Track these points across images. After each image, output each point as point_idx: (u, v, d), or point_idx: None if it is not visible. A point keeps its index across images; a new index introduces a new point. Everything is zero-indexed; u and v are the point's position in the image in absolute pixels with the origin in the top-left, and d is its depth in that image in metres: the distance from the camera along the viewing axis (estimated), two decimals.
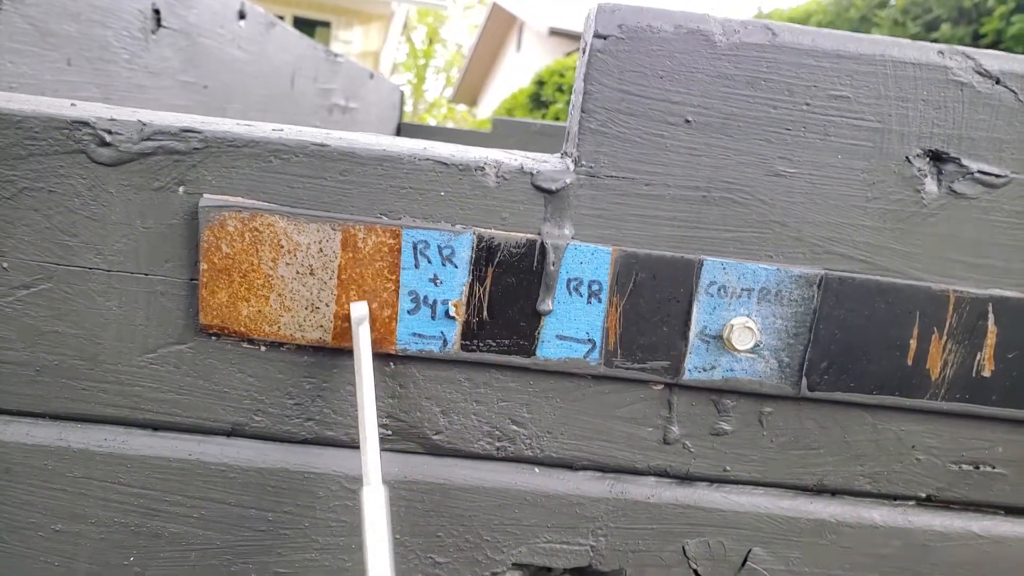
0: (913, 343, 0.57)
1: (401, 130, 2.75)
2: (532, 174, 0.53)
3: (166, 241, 0.54)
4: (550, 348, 0.56)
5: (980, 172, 0.54)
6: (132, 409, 0.57)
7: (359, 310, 0.53)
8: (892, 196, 0.55)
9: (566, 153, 0.55)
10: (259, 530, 0.58)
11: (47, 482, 0.57)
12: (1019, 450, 0.60)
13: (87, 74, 1.11)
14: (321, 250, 0.53)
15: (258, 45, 1.70)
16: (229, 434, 0.58)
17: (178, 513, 0.58)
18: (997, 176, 0.54)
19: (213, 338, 0.55)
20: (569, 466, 0.60)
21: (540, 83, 8.55)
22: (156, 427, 0.57)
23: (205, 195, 0.53)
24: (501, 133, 2.44)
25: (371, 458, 0.50)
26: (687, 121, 0.53)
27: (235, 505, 0.58)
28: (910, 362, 0.57)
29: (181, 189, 0.53)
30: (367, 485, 0.49)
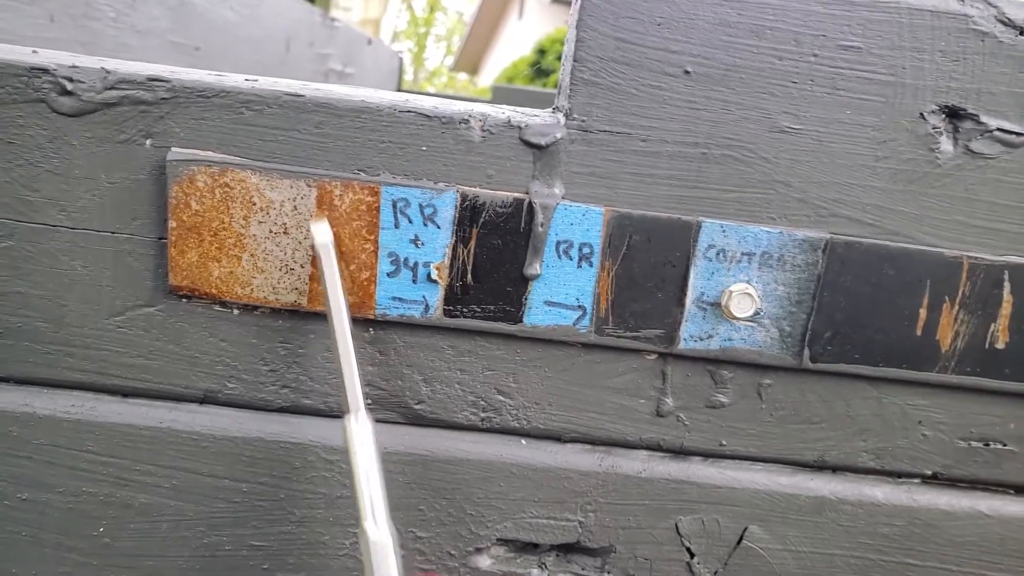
0: (923, 313, 0.53)
1: None
2: (520, 128, 0.50)
3: (133, 197, 0.51)
4: (538, 315, 0.53)
5: (1000, 130, 0.51)
6: (100, 374, 0.54)
7: (322, 233, 0.50)
8: (904, 155, 0.51)
9: (557, 107, 0.51)
10: (233, 501, 0.56)
11: (12, 449, 0.54)
12: None
13: (70, 31, 1.07)
14: (295, 208, 0.50)
15: (251, 8, 1.66)
16: (202, 401, 0.55)
17: (149, 483, 0.55)
18: (1018, 134, 0.51)
19: (184, 300, 0.53)
20: (557, 438, 0.57)
21: (541, 52, 8.40)
22: (125, 393, 0.55)
23: (173, 148, 0.50)
24: (501, 101, 2.40)
25: (352, 384, 0.48)
26: (686, 72, 0.49)
27: (208, 475, 0.55)
28: (919, 333, 0.54)
29: (148, 142, 0.50)
30: (350, 413, 0.47)
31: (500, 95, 2.57)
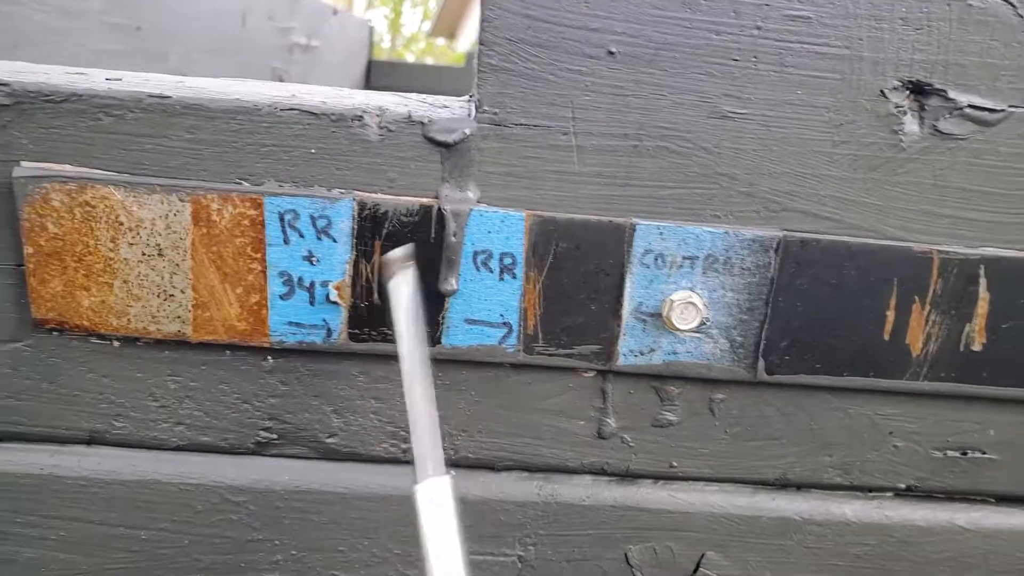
0: (890, 315, 0.48)
1: (371, 67, 2.61)
2: (424, 124, 0.44)
3: None
4: (458, 335, 0.47)
5: (971, 107, 0.44)
6: None
7: (402, 256, 0.42)
8: (864, 139, 0.45)
9: (471, 96, 0.45)
10: (131, 551, 0.50)
11: None
12: (1013, 432, 0.52)
13: None
14: (169, 226, 0.44)
15: None
16: (88, 443, 0.49)
17: (33, 536, 0.49)
18: (991, 111, 0.45)
19: (54, 334, 0.46)
20: (490, 467, 0.51)
21: None
22: None
23: (21, 163, 0.43)
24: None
25: (427, 444, 0.38)
26: (610, 53, 0.43)
27: (100, 523, 0.49)
28: (887, 337, 0.48)
29: None
30: (424, 479, 0.37)
31: (474, 62, 2.48)
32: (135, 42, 1.36)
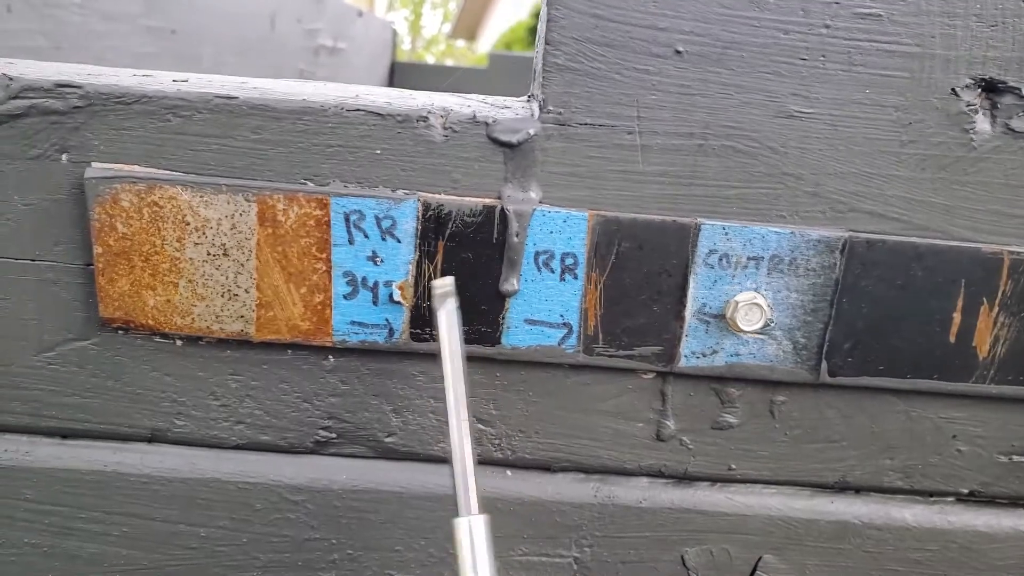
0: (957, 317, 0.47)
1: (395, 69, 2.62)
2: (488, 124, 0.43)
3: (52, 220, 0.45)
4: (518, 335, 0.47)
5: None
6: (33, 416, 0.49)
7: (443, 287, 0.43)
8: (933, 139, 0.44)
9: (532, 96, 0.45)
10: (190, 548, 0.51)
11: None
12: None
13: (31, 20, 1.00)
14: (234, 226, 0.44)
15: None
16: (149, 441, 0.50)
17: (96, 531, 0.50)
18: None
19: (119, 332, 0.47)
20: (547, 468, 0.51)
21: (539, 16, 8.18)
22: (64, 435, 0.50)
23: (92, 164, 0.43)
24: (498, 69, 2.31)
25: (463, 480, 0.39)
26: (677, 52, 0.42)
27: (161, 520, 0.50)
28: (953, 339, 0.47)
29: (64, 157, 0.44)
30: (462, 516, 0.38)
31: (496, 63, 2.47)
32: (169, 44, 1.38)
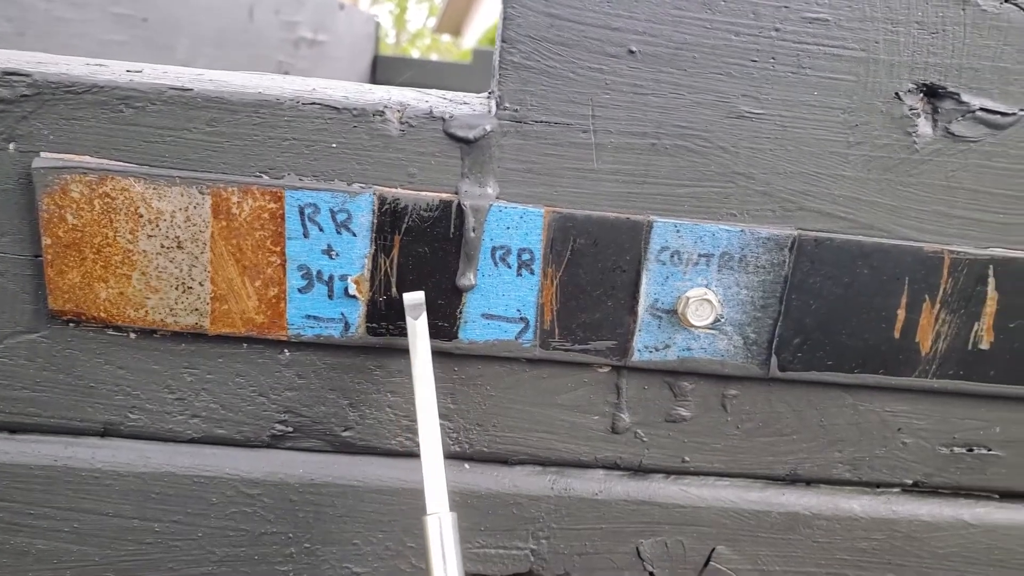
0: (901, 313, 0.48)
1: (377, 63, 2.60)
2: (444, 119, 0.44)
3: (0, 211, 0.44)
4: (475, 329, 0.47)
5: (983, 110, 0.45)
6: None
7: (413, 299, 0.45)
8: (878, 140, 0.46)
9: (491, 93, 0.45)
10: (144, 543, 0.50)
11: None
12: (1018, 430, 0.53)
13: None
14: (188, 218, 0.44)
15: None
16: (102, 435, 0.49)
17: (46, 527, 0.49)
18: (1003, 114, 0.45)
19: (70, 325, 0.46)
20: (504, 461, 0.52)
21: None
22: (13, 430, 0.49)
23: (41, 153, 0.43)
24: (482, 65, 2.30)
25: (433, 479, 0.40)
26: (631, 52, 0.43)
27: (114, 515, 0.49)
28: (897, 335, 0.49)
29: (11, 146, 0.43)
30: (430, 513, 0.39)
31: (480, 59, 2.47)
32: (141, 33, 1.35)
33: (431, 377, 0.43)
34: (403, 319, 0.46)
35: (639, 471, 0.53)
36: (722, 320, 0.48)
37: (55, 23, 1.14)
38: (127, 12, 1.31)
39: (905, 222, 0.47)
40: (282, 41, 1.99)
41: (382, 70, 2.57)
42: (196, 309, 0.46)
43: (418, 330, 0.44)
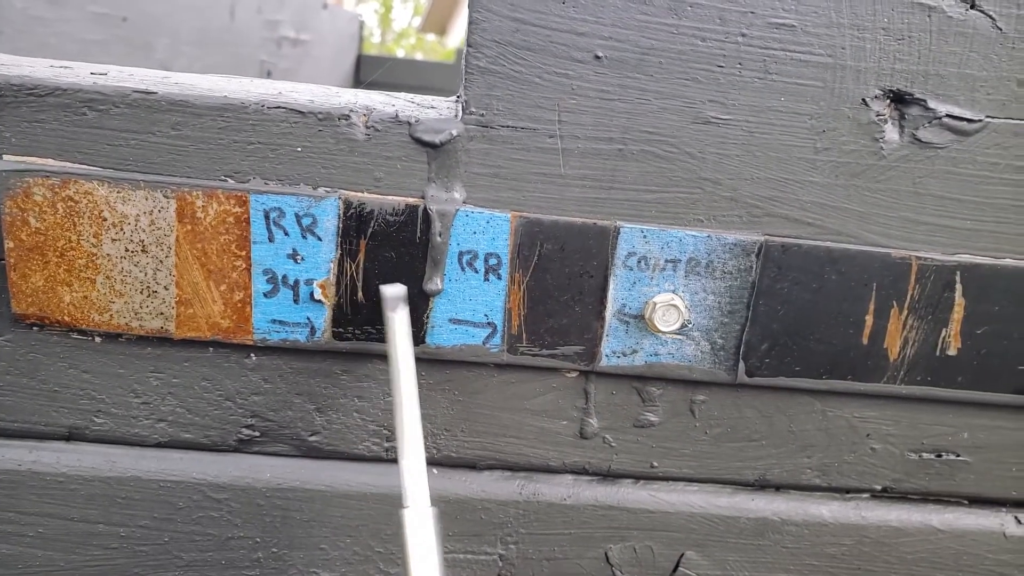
0: (869, 319, 0.48)
1: (361, 62, 2.59)
2: (410, 124, 0.44)
3: None
4: (442, 334, 0.47)
5: (949, 116, 0.45)
6: None
7: (393, 291, 0.44)
8: (845, 146, 0.46)
9: (459, 97, 0.45)
10: (110, 548, 0.50)
11: None
12: (986, 436, 0.53)
13: None
14: (153, 222, 0.43)
15: None
16: (67, 439, 0.49)
17: (10, 532, 0.49)
18: (969, 121, 0.45)
19: (34, 329, 0.46)
20: (472, 466, 0.52)
21: None
22: None
23: (3, 156, 0.43)
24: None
25: (412, 475, 0.40)
26: (597, 57, 0.43)
27: (79, 520, 0.49)
28: (865, 341, 0.49)
29: None
30: (408, 507, 0.40)
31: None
32: (120, 32, 1.35)
33: (413, 372, 0.42)
34: (371, 323, 0.46)
35: (608, 476, 0.53)
36: (689, 325, 0.48)
37: (32, 22, 1.14)
38: (106, 11, 1.31)
39: (872, 228, 0.47)
40: (264, 40, 1.98)
41: (366, 69, 2.56)
42: (161, 313, 0.45)
43: (396, 324, 0.43)
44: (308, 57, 2.24)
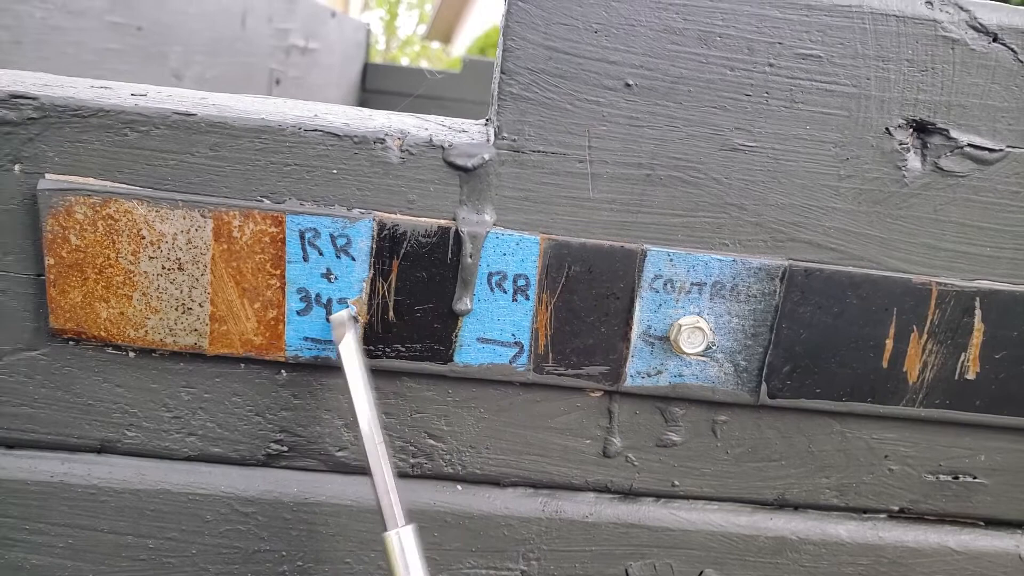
0: (889, 343, 0.49)
1: (367, 70, 2.61)
2: (443, 148, 0.45)
3: (4, 230, 0.45)
4: (470, 353, 0.48)
5: (971, 146, 0.46)
6: None
7: (338, 319, 0.45)
8: (868, 174, 0.47)
9: (489, 120, 0.46)
10: (138, 559, 0.51)
11: None
12: (1002, 458, 0.54)
13: None
14: (190, 241, 0.44)
15: None
16: (99, 451, 0.50)
17: (40, 543, 0.50)
18: (990, 150, 0.46)
19: (70, 343, 0.47)
20: (496, 483, 0.52)
21: None
22: (10, 445, 0.49)
23: (46, 175, 0.44)
24: (472, 74, 2.31)
25: (387, 496, 0.42)
26: (627, 85, 0.44)
27: (108, 532, 0.50)
28: (885, 364, 0.50)
29: (17, 168, 0.44)
30: (390, 530, 0.41)
31: (470, 68, 2.48)
32: (135, 41, 1.36)
33: (369, 394, 0.43)
34: (400, 342, 0.47)
35: (629, 494, 0.53)
36: (713, 348, 0.48)
37: (51, 32, 1.15)
38: (122, 21, 1.32)
39: (894, 254, 0.48)
40: (274, 49, 2.00)
41: (372, 78, 2.58)
42: (195, 330, 0.46)
43: (343, 351, 0.44)
44: (316, 65, 2.25)
